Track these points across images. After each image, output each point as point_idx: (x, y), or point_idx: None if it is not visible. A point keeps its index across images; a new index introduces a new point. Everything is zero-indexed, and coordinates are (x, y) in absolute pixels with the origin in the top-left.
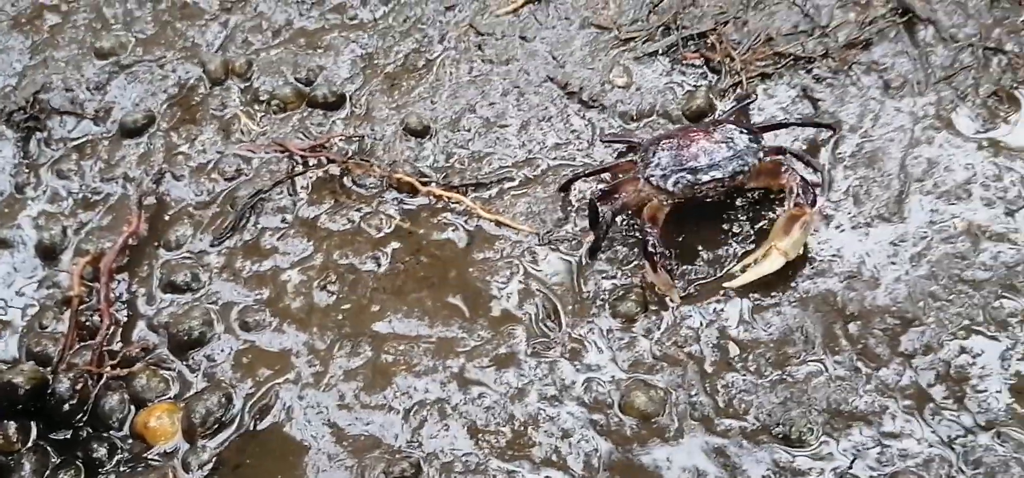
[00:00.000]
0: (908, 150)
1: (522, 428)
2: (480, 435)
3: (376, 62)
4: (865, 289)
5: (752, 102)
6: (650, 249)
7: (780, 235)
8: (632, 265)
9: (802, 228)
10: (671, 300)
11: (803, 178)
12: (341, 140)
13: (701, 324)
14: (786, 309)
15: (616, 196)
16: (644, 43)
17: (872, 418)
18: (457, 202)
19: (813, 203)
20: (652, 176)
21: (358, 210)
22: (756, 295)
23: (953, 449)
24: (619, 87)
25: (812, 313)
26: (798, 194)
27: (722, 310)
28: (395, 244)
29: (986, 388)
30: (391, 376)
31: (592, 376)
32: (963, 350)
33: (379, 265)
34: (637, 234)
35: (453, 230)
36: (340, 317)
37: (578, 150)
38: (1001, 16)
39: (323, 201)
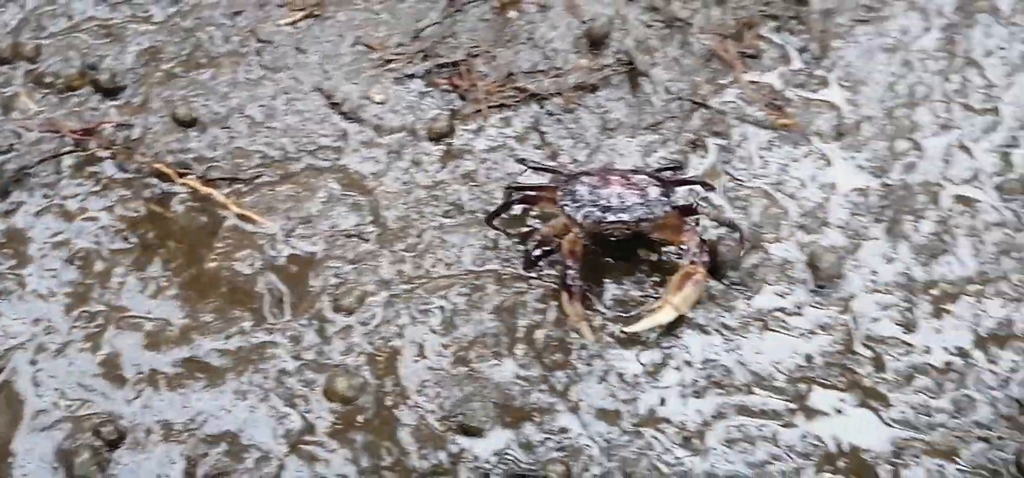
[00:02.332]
0: None
1: (235, 400)
2: (192, 408)
3: (160, 56)
4: None
5: (679, 169)
6: (568, 282)
7: (674, 290)
8: (357, 265)
9: (694, 286)
10: (582, 334)
11: (702, 239)
12: (112, 126)
13: (409, 320)
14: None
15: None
16: (404, 65)
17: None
18: (209, 194)
19: (706, 265)
20: (566, 205)
21: (118, 194)
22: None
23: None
24: (376, 103)
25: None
26: (693, 253)
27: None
28: (147, 228)
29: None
30: (122, 351)
31: (303, 361)
32: None
33: (129, 245)
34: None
35: (204, 219)
36: (82, 290)
37: (333, 155)
38: (710, 76)
39: (85, 182)
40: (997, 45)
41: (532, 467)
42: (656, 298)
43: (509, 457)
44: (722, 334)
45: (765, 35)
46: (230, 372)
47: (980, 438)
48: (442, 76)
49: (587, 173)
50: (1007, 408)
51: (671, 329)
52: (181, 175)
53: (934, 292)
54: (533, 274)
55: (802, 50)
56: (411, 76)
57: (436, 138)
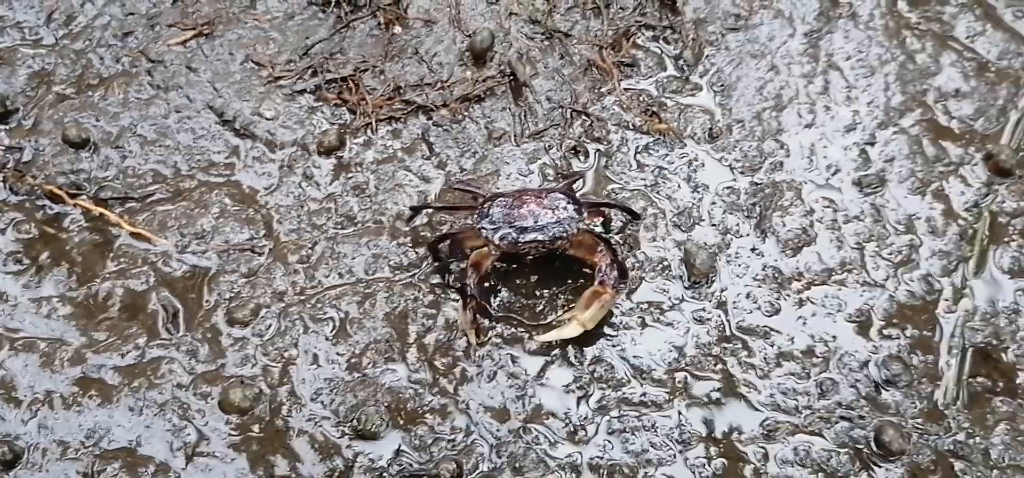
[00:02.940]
0: (501, 187)
1: (131, 416)
2: (88, 425)
3: (50, 79)
4: None
5: (578, 180)
6: (467, 291)
7: (582, 307)
8: (251, 279)
9: (600, 305)
10: (469, 341)
11: (613, 260)
12: (2, 150)
13: (303, 330)
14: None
15: (454, 230)
16: (293, 82)
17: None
18: (101, 213)
19: (614, 285)
20: (483, 228)
21: (9, 217)
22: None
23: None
24: (267, 119)
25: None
26: (603, 273)
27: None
28: (40, 250)
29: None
30: (17, 372)
31: (198, 374)
32: None
33: (22, 267)
34: None
35: (97, 238)
36: None
37: (226, 171)
38: (589, 85)
39: None
40: (855, 49)
41: (425, 466)
42: (567, 310)
43: (403, 458)
44: (604, 332)
45: (641, 44)
46: (125, 388)
47: (843, 417)
48: (331, 91)
49: (502, 194)
50: (866, 389)
51: (575, 341)
52: (73, 196)
53: (799, 283)
54: (429, 260)
55: (676, 58)
56: (301, 92)
57: (326, 152)
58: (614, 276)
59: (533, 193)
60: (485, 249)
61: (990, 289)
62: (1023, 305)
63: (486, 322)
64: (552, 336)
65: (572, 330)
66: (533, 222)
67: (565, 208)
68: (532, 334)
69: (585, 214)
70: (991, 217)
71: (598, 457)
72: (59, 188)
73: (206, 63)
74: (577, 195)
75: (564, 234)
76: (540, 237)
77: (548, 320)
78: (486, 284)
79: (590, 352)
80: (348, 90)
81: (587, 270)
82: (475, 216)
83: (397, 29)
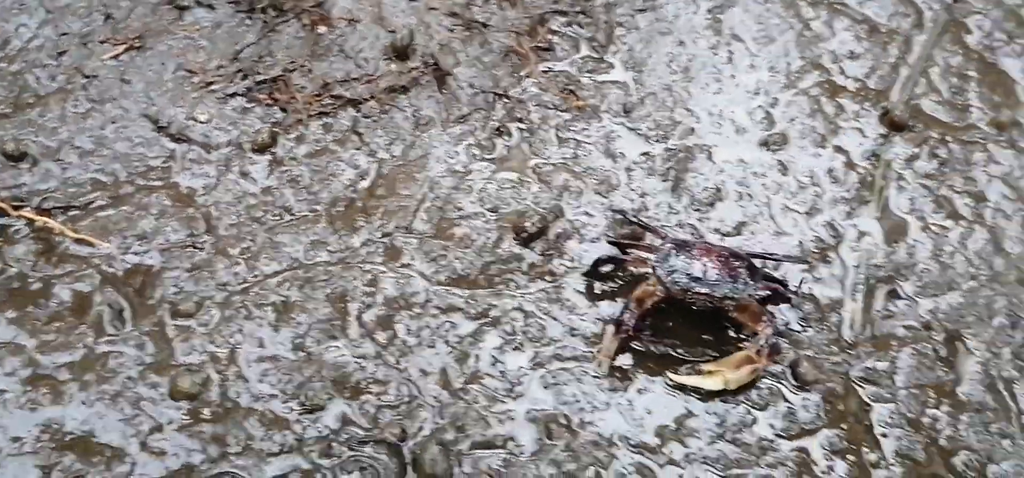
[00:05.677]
0: (430, 171)
1: (84, 409)
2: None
3: None
4: None
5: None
6: (624, 320)
7: (732, 366)
8: (193, 274)
9: (751, 371)
10: (599, 363)
11: (777, 334)
12: None
13: (247, 317)
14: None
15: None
16: (225, 85)
17: None
18: (45, 223)
19: (770, 357)
20: (657, 265)
21: None
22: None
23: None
24: (201, 122)
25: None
26: (763, 344)
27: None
28: None
29: None
30: None
31: (146, 365)
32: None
33: None
34: None
35: (41, 246)
36: None
37: (164, 174)
38: (509, 70)
39: None
40: (755, 20)
41: (371, 432)
42: (709, 361)
43: (350, 427)
44: (536, 297)
45: (556, 30)
46: (76, 383)
47: None
48: (262, 92)
49: (687, 243)
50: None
51: (710, 395)
52: (16, 208)
53: (714, 237)
54: (590, 278)
55: (590, 40)
56: (233, 95)
57: (261, 149)
58: (770, 348)
59: (716, 250)
60: (651, 289)
61: (889, 229)
62: (920, 241)
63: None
64: (691, 381)
65: (714, 383)
66: (706, 275)
67: (742, 271)
68: (675, 369)
69: (759, 284)
70: (887, 165)
71: (531, 408)
72: (2, 201)
73: (139, 74)
74: (756, 266)
75: (734, 295)
76: (711, 292)
77: (692, 363)
78: (644, 320)
79: (524, 315)
80: (278, 90)
81: (743, 337)
82: (654, 254)
83: (322, 29)
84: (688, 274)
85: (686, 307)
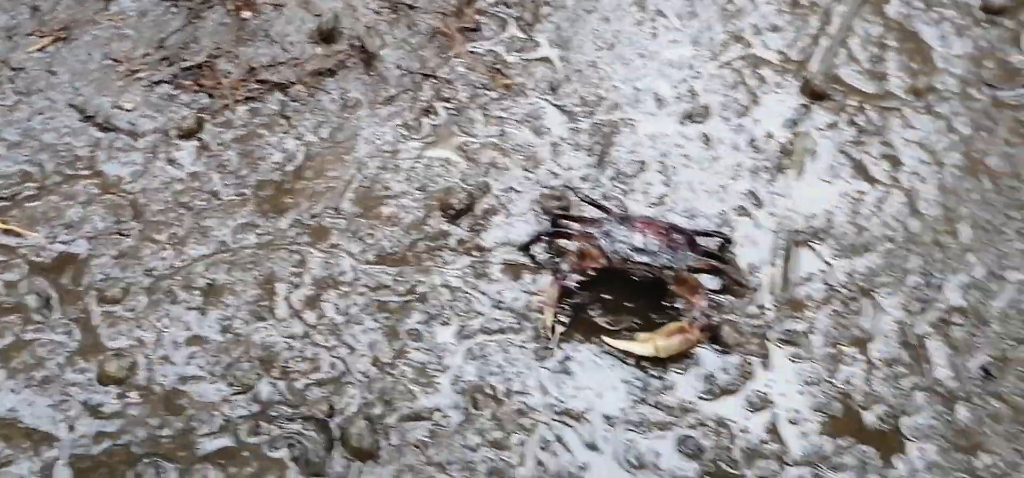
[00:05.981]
0: (358, 152)
1: (12, 396)
2: None
3: None
4: None
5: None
6: (563, 281)
7: (664, 335)
8: (120, 261)
9: (682, 341)
10: (545, 321)
11: (710, 307)
12: None
13: (174, 302)
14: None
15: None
16: (150, 73)
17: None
18: None
19: (703, 330)
20: (599, 236)
21: None
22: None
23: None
24: (127, 111)
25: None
26: (695, 316)
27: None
28: None
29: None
30: None
31: (73, 351)
32: None
33: None
34: None
35: None
36: None
37: (91, 163)
38: (436, 52)
39: None
40: None
41: (298, 410)
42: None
43: (278, 405)
44: (462, 273)
45: (484, 9)
46: (3, 371)
47: None
48: (188, 79)
49: (630, 218)
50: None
51: (639, 361)
52: None
53: (637, 207)
54: (525, 255)
55: (518, 19)
56: (158, 82)
57: (187, 135)
58: (704, 322)
59: (658, 225)
60: (594, 252)
61: (809, 193)
62: (838, 206)
63: (561, 325)
64: (624, 346)
65: (645, 349)
66: (646, 245)
67: (682, 245)
68: (608, 337)
69: (699, 258)
70: (806, 134)
71: (457, 378)
72: None
73: (65, 65)
74: (697, 242)
75: (671, 265)
76: (650, 261)
77: (625, 329)
78: (580, 278)
79: (450, 290)
80: (204, 76)
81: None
82: (598, 227)
83: (247, 14)
84: (630, 244)
85: (626, 278)
